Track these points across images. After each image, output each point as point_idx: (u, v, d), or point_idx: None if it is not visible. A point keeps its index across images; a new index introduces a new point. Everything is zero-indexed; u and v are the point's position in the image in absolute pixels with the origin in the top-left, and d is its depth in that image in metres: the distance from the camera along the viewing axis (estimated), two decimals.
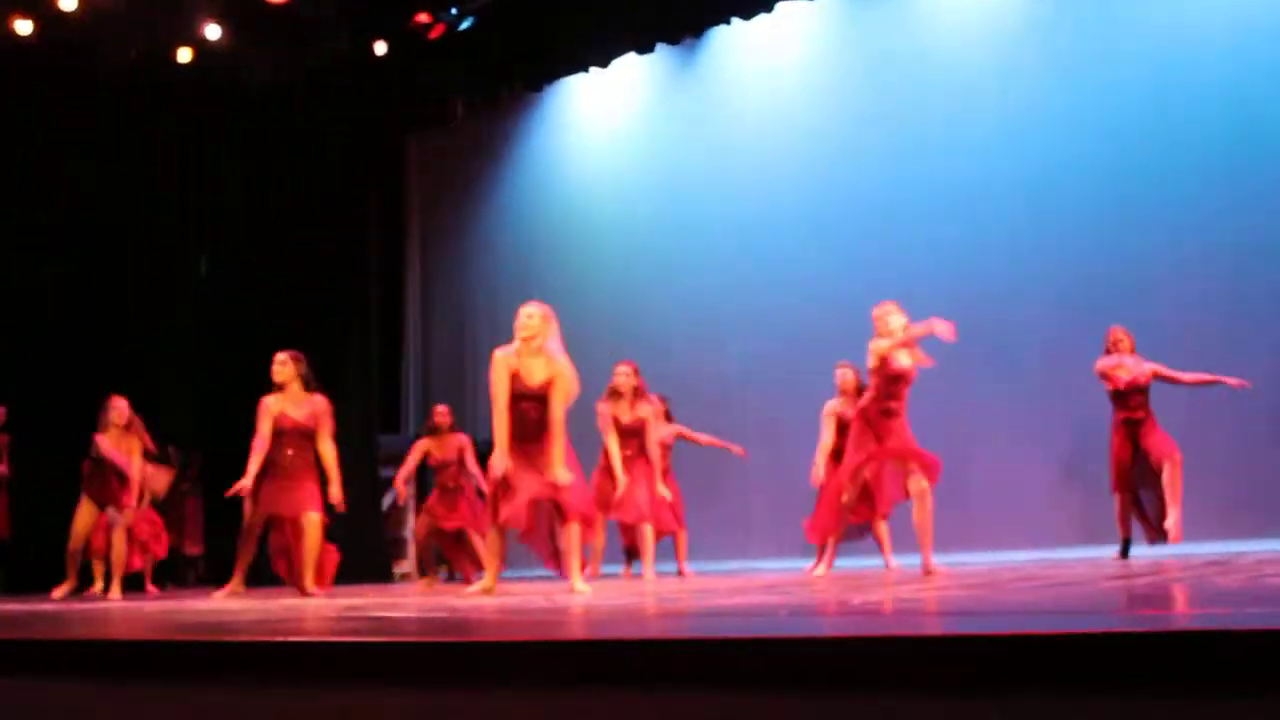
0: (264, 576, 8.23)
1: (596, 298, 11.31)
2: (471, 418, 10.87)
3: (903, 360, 6.63)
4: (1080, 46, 9.22)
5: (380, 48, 11.44)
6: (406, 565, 11.83)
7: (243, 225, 12.29)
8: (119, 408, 8.47)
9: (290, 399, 7.13)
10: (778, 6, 10.34)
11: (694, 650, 2.31)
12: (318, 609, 4.94)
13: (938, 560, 6.64)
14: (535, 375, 5.72)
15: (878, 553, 7.68)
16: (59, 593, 8.48)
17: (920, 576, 6.02)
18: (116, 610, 6.00)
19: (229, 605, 5.93)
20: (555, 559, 5.98)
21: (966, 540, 8.38)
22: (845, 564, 7.60)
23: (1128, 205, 8.76)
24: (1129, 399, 7.58)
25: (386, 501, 12.38)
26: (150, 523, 9.61)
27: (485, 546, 6.08)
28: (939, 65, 9.80)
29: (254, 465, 7.01)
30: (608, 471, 8.17)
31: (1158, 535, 7.55)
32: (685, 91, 11.30)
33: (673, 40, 10.96)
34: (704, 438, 8.99)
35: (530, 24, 11.05)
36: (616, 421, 8.10)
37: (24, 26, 10.31)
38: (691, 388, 9.99)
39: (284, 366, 7.15)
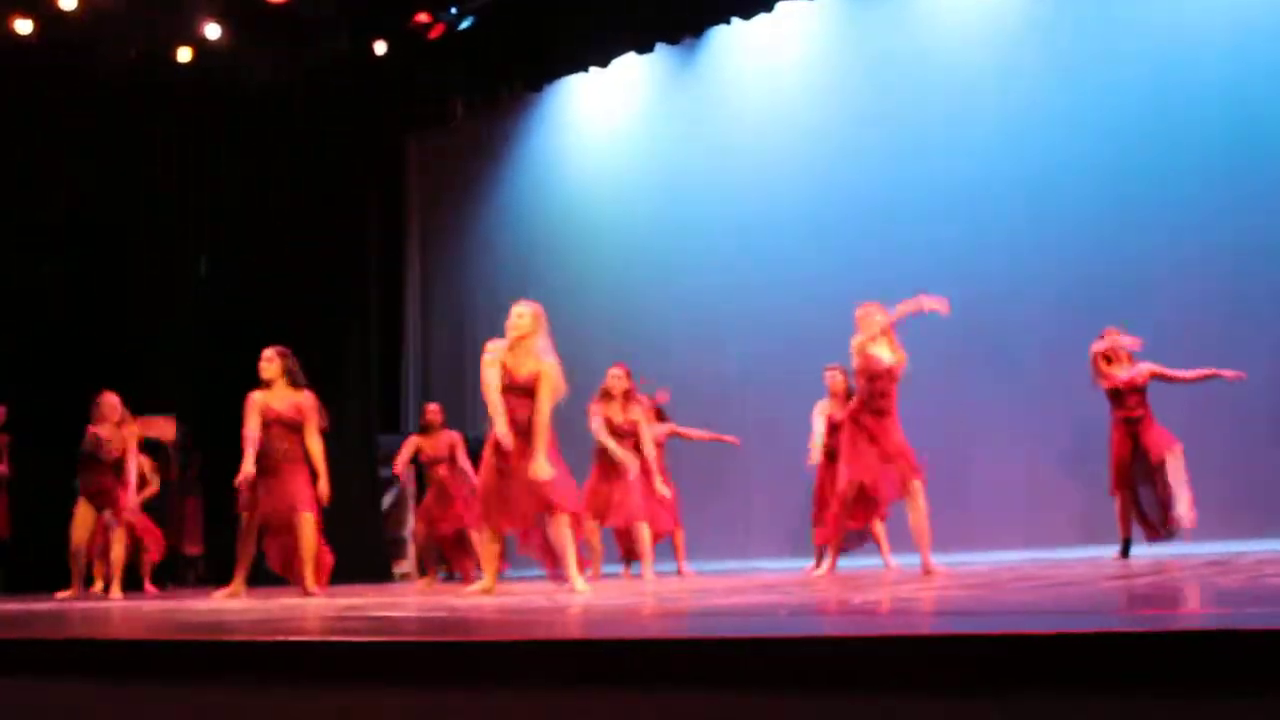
0: (264, 576, 8.23)
1: (596, 297, 11.31)
2: (472, 417, 10.84)
3: (883, 357, 6.66)
4: (1080, 46, 9.22)
5: (380, 48, 11.45)
6: (406, 565, 11.84)
7: (243, 225, 12.29)
8: (111, 403, 8.49)
9: (276, 395, 7.16)
10: (778, 6, 10.34)
11: (693, 650, 2.31)
12: (318, 609, 4.94)
13: (937, 560, 6.64)
14: (523, 370, 5.76)
15: (878, 553, 7.68)
16: (62, 596, 8.48)
17: (920, 576, 6.02)
18: (116, 610, 6.00)
19: (229, 605, 5.93)
20: (554, 565, 5.97)
21: (966, 540, 8.38)
22: (845, 564, 7.59)
23: (1127, 205, 8.76)
24: (1126, 398, 7.59)
25: (386, 501, 12.40)
26: (147, 529, 9.61)
27: (482, 547, 6.07)
28: (939, 65, 9.80)
29: (249, 456, 7.03)
30: (603, 475, 8.18)
31: (1158, 534, 7.55)
32: (685, 91, 11.30)
33: (673, 40, 10.96)
34: (696, 433, 9.04)
35: (530, 24, 11.04)
36: (610, 422, 8.13)
37: (24, 26, 10.32)
38: (691, 388, 9.98)
39: (271, 363, 7.19)
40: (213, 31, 10.83)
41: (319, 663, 2.71)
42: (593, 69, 11.41)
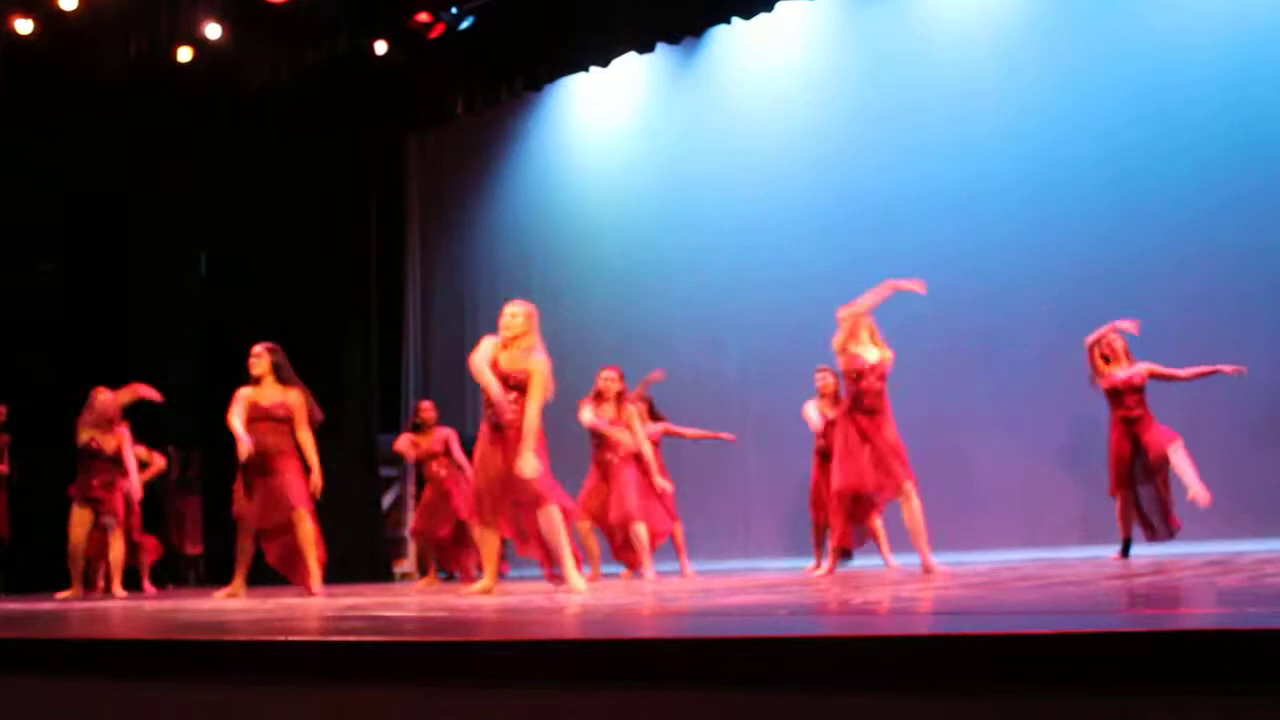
0: (264, 576, 8.23)
1: (596, 297, 11.32)
2: (473, 417, 10.86)
3: (866, 356, 6.68)
4: (1080, 46, 9.22)
5: (380, 48, 11.45)
6: (407, 565, 11.84)
7: (243, 225, 12.29)
8: (104, 400, 8.50)
9: (265, 391, 7.19)
10: (778, 6, 10.32)
11: (693, 650, 2.31)
12: (318, 609, 4.94)
13: (938, 560, 6.64)
14: (514, 368, 5.82)
15: (878, 553, 7.68)
16: (62, 596, 8.50)
17: (920, 576, 6.02)
18: (116, 610, 6.00)
19: (229, 605, 5.93)
20: (552, 565, 5.99)
21: (966, 540, 8.38)
22: (845, 564, 7.58)
23: (1128, 205, 8.76)
24: (1125, 398, 7.59)
25: (386, 501, 12.40)
26: (142, 534, 9.61)
27: (481, 546, 6.10)
28: (939, 65, 9.80)
29: (239, 429, 7.02)
30: (600, 475, 8.20)
31: (1157, 535, 7.55)
32: (685, 91, 11.30)
33: (673, 40, 10.95)
34: (691, 431, 9.06)
35: (530, 24, 11.04)
36: (600, 435, 8.17)
37: (24, 26, 10.32)
38: (691, 387, 9.99)
39: (259, 359, 7.23)
40: (213, 31, 10.83)
41: (319, 663, 2.71)
42: (593, 69, 11.40)
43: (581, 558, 6.89)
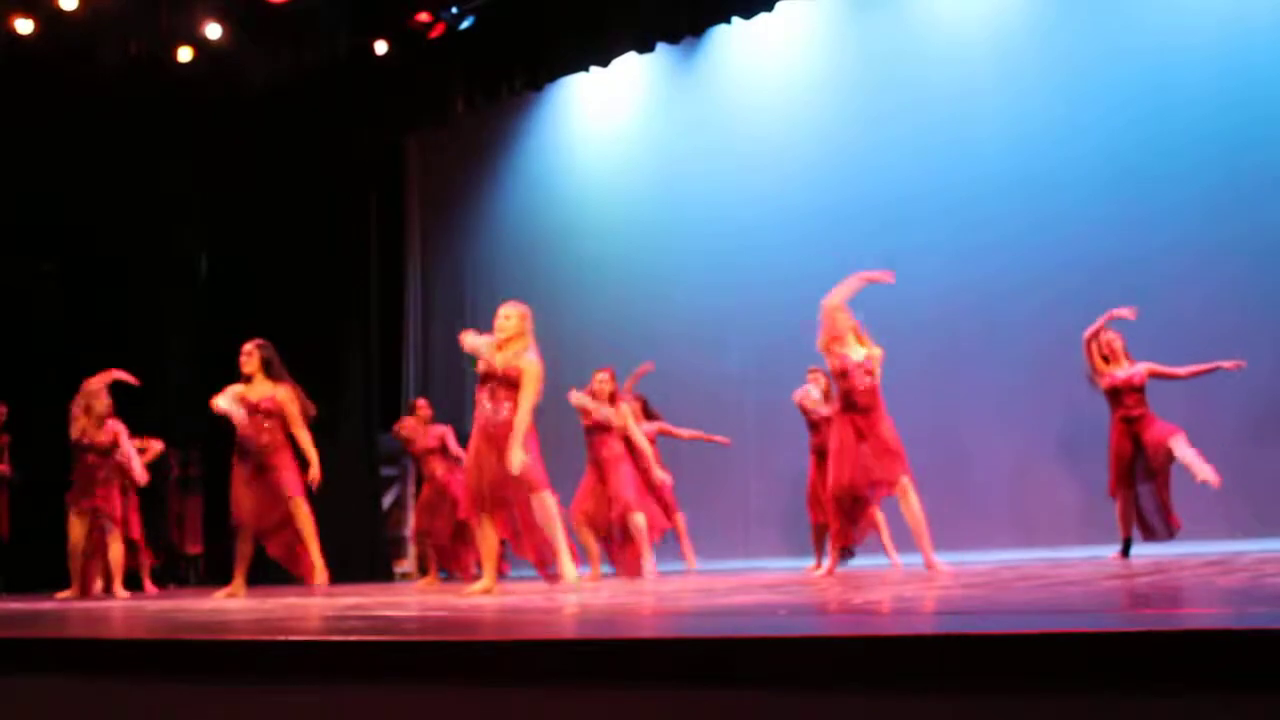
0: (264, 576, 8.23)
1: (596, 296, 11.32)
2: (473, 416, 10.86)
3: (851, 355, 6.69)
4: (1081, 45, 9.21)
5: (380, 47, 11.45)
6: (407, 565, 11.85)
7: (243, 225, 12.29)
8: (102, 397, 8.50)
9: (255, 388, 7.24)
10: (778, 6, 10.31)
11: (694, 650, 2.31)
12: (318, 609, 4.94)
13: (939, 559, 6.64)
14: (507, 366, 5.91)
15: (878, 552, 7.67)
16: (62, 596, 8.51)
17: (920, 575, 6.02)
18: (117, 610, 6.00)
19: (229, 605, 5.93)
20: (544, 565, 6.03)
21: (966, 540, 8.38)
22: (845, 563, 7.58)
23: (1129, 205, 8.75)
24: (1125, 397, 7.59)
25: (386, 501, 12.41)
26: (139, 538, 9.61)
27: (480, 546, 6.12)
28: (939, 64, 9.80)
29: (224, 405, 7.06)
30: (596, 474, 8.22)
31: (1156, 535, 7.55)
32: (685, 91, 11.30)
33: (673, 40, 10.95)
34: (685, 432, 9.09)
35: (530, 24, 11.04)
36: (598, 425, 8.19)
37: (24, 26, 10.32)
38: (691, 386, 9.99)
39: (250, 357, 7.27)
40: (213, 31, 10.83)
41: (319, 663, 2.71)
42: (593, 69, 11.40)
43: (581, 558, 6.91)
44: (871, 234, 9.69)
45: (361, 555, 11.35)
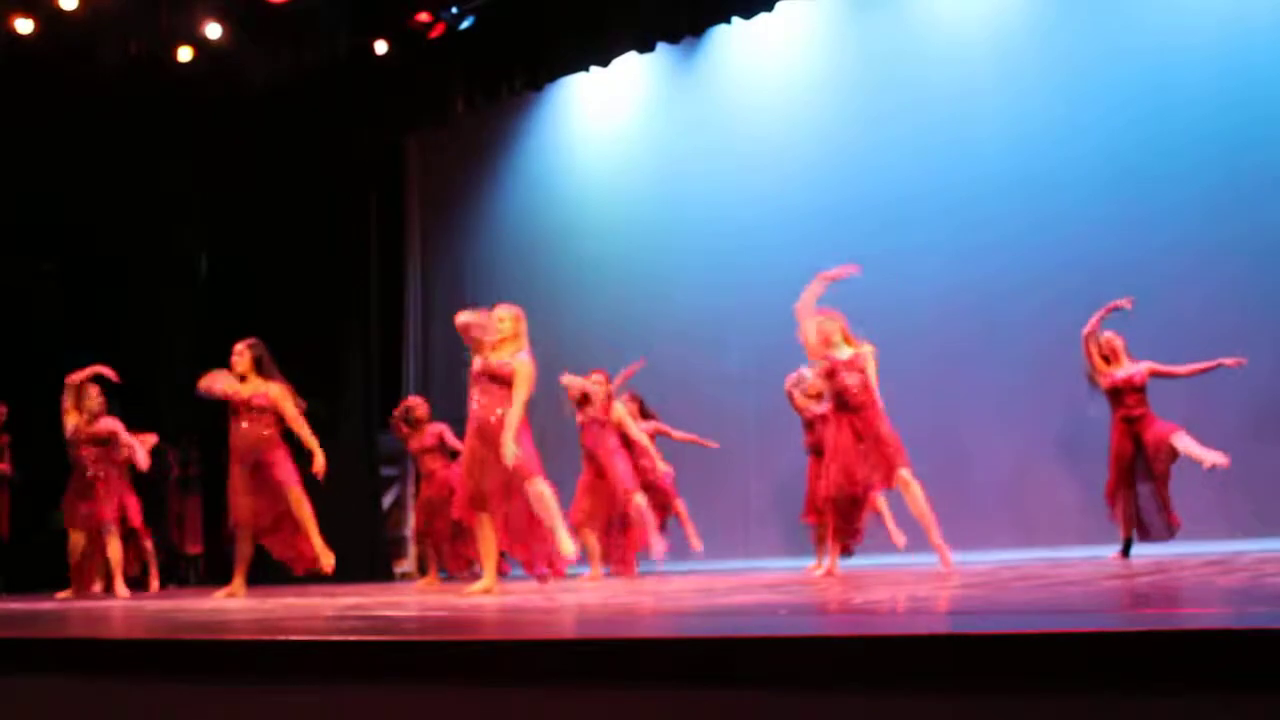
0: (264, 576, 8.23)
1: (596, 296, 11.32)
2: None
3: (837, 355, 6.70)
4: (1082, 45, 9.21)
5: (380, 47, 11.44)
6: (407, 565, 11.84)
7: (243, 225, 12.28)
8: (94, 394, 8.51)
9: (248, 386, 7.31)
10: (778, 6, 10.29)
11: (694, 650, 2.31)
12: (318, 609, 4.94)
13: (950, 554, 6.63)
14: (501, 366, 6.02)
15: (879, 552, 7.67)
16: (62, 596, 8.50)
17: (920, 575, 6.01)
18: (117, 610, 6.00)
19: (229, 605, 5.93)
20: (534, 567, 6.06)
21: (966, 540, 8.37)
22: (846, 563, 7.59)
23: (1128, 205, 8.75)
24: (1125, 397, 7.59)
25: (386, 501, 12.40)
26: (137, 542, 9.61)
27: (480, 545, 6.14)
28: (940, 64, 9.79)
29: (209, 384, 7.16)
30: (593, 472, 8.24)
31: (1155, 535, 7.55)
32: (685, 91, 11.30)
33: (673, 40, 10.94)
34: (679, 434, 9.12)
35: (530, 24, 11.04)
36: (583, 412, 8.30)
37: (24, 26, 10.32)
38: (691, 387, 9.99)
39: (241, 357, 7.35)
40: (213, 31, 10.83)
41: (319, 663, 2.71)
42: (593, 69, 11.39)
43: (580, 558, 6.94)
44: (871, 234, 9.69)
45: (361, 555, 11.33)
